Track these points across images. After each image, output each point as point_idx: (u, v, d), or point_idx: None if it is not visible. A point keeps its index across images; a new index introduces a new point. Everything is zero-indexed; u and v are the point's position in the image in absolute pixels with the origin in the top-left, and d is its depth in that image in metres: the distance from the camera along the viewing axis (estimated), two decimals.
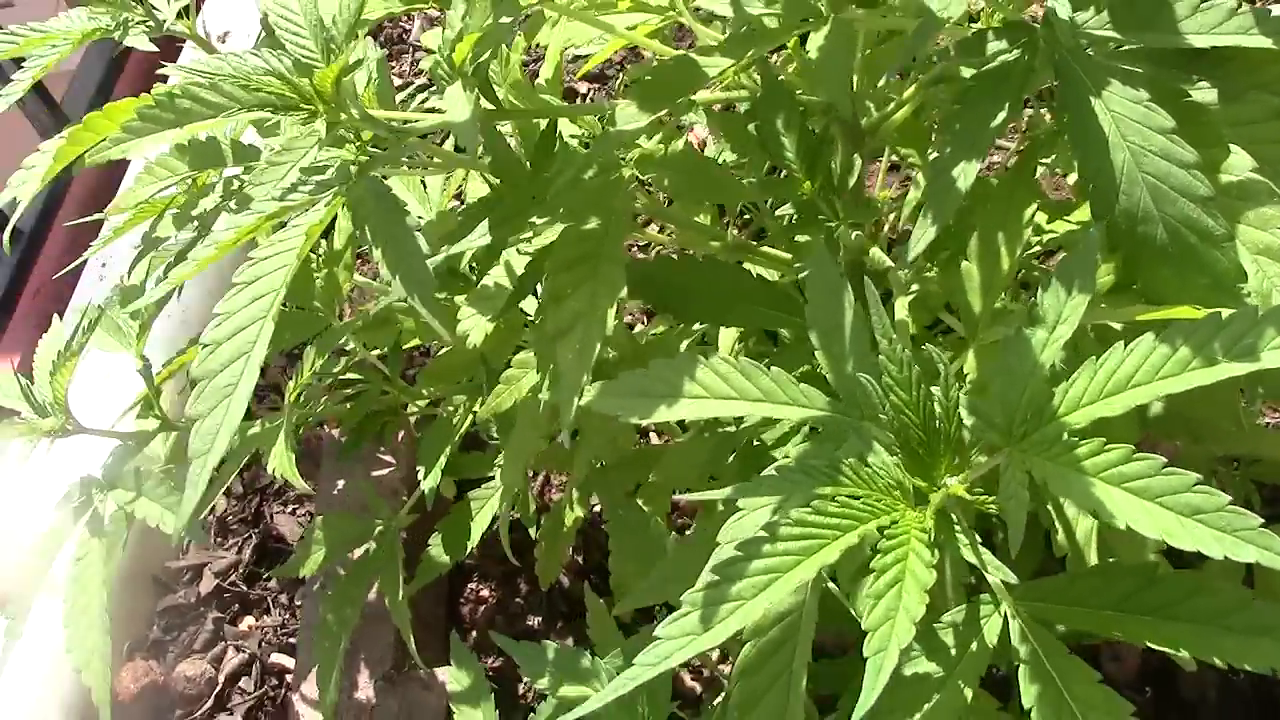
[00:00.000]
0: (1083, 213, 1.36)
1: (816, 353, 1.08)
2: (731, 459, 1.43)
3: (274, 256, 1.14)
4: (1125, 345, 0.97)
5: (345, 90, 1.19)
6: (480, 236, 1.25)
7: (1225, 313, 0.95)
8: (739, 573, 0.92)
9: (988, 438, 1.00)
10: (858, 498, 0.96)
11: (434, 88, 2.26)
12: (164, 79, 1.80)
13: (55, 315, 1.75)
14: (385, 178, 1.21)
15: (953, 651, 1.03)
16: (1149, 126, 1.02)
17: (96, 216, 1.66)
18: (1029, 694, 0.99)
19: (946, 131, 1.07)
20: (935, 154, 1.07)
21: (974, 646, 1.03)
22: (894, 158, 1.80)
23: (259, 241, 1.37)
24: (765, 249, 1.48)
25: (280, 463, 1.50)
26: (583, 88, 2.63)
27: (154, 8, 1.59)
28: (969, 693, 1.02)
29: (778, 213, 1.65)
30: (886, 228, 1.73)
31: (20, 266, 2.46)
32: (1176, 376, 0.95)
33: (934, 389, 0.97)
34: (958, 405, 0.97)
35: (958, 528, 0.97)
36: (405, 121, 1.25)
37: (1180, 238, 1.02)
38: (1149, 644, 1.02)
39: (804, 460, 1.00)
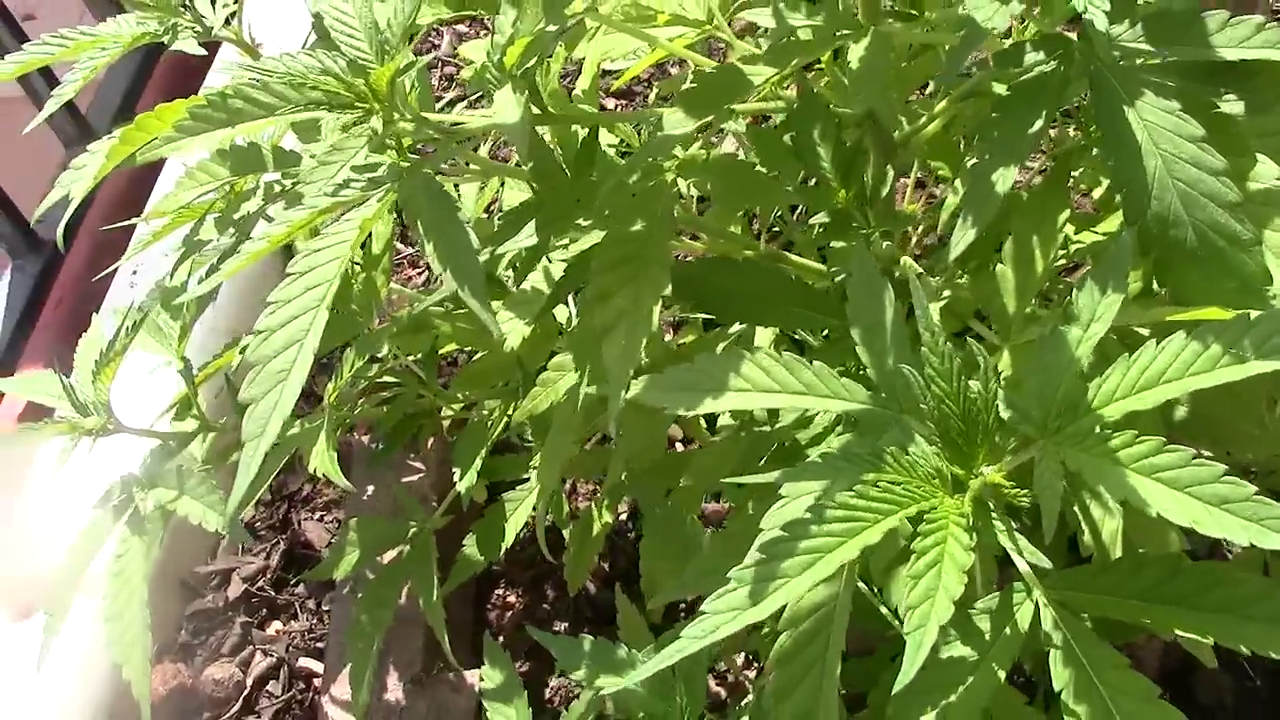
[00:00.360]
0: (1108, 224, 1.40)
1: (858, 348, 1.12)
2: (764, 460, 1.47)
3: (327, 249, 1.17)
4: (1157, 343, 1.00)
5: (398, 91, 1.23)
6: (527, 237, 1.29)
7: (1254, 313, 0.99)
8: (786, 551, 0.96)
9: (1023, 430, 1.03)
10: (898, 484, 1.00)
11: (467, 99, 2.30)
12: (193, 88, 1.83)
13: (93, 317, 1.78)
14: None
15: (987, 636, 1.07)
16: (1180, 135, 1.06)
17: (133, 220, 1.69)
18: (1061, 678, 1.03)
19: (985, 139, 1.10)
20: (974, 160, 1.10)
21: (1007, 631, 1.06)
22: (920, 174, 1.84)
23: (297, 246, 1.41)
24: (796, 257, 1.51)
25: (322, 461, 1.53)
26: (610, 103, 2.68)
27: (200, 14, 1.63)
28: (1002, 674, 1.05)
29: (810, 222, 1.69)
30: (914, 240, 1.77)
31: (43, 276, 2.47)
32: (1207, 373, 0.98)
33: (973, 382, 1.00)
34: (996, 397, 1.00)
35: (994, 514, 1.01)
36: (454, 124, 1.29)
37: (1209, 241, 1.05)
38: (1176, 631, 1.05)
39: (847, 449, 1.03)
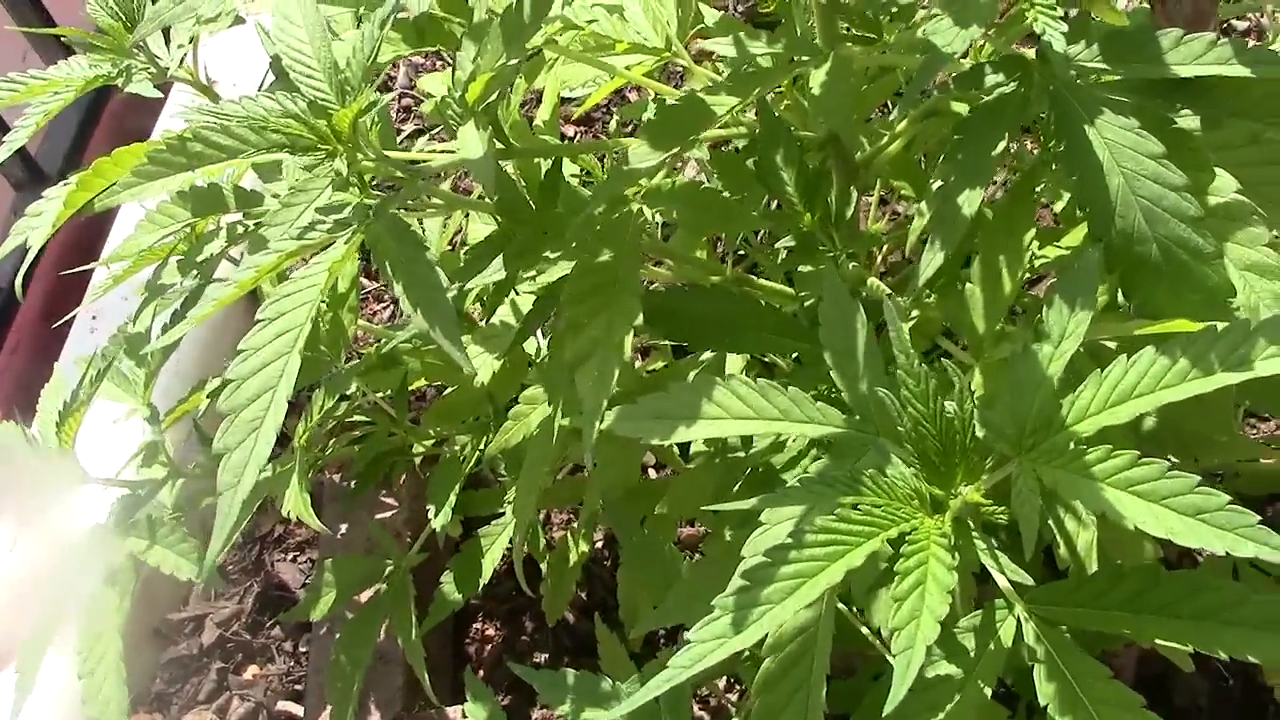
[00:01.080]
0: (1071, 238, 1.41)
1: (831, 372, 1.13)
2: (739, 487, 1.48)
3: (296, 293, 1.17)
4: (1127, 358, 1.01)
5: (360, 131, 1.23)
6: (495, 272, 1.29)
7: (1220, 326, 1.01)
8: (768, 577, 0.96)
9: (999, 448, 1.04)
10: (878, 506, 1.00)
11: (429, 133, 2.31)
12: (144, 126, 1.82)
13: (53, 364, 1.77)
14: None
15: (971, 653, 1.07)
16: (1140, 152, 1.07)
17: (93, 265, 1.68)
18: (1045, 692, 1.03)
19: (949, 160, 1.11)
20: (939, 182, 1.11)
21: (991, 647, 1.07)
22: (882, 192, 1.85)
23: (262, 290, 1.40)
24: (763, 282, 1.52)
25: (296, 505, 1.53)
26: (570, 130, 2.68)
27: (155, 55, 1.62)
28: (988, 691, 1.06)
29: (776, 245, 1.70)
30: (879, 259, 1.78)
31: None
32: (1176, 386, 1.00)
33: (947, 402, 1.01)
34: (972, 417, 1.01)
35: (974, 534, 1.02)
36: (418, 162, 1.29)
37: (1173, 256, 1.07)
38: (1156, 640, 1.06)
39: (825, 473, 1.04)
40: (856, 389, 1.11)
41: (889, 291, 1.40)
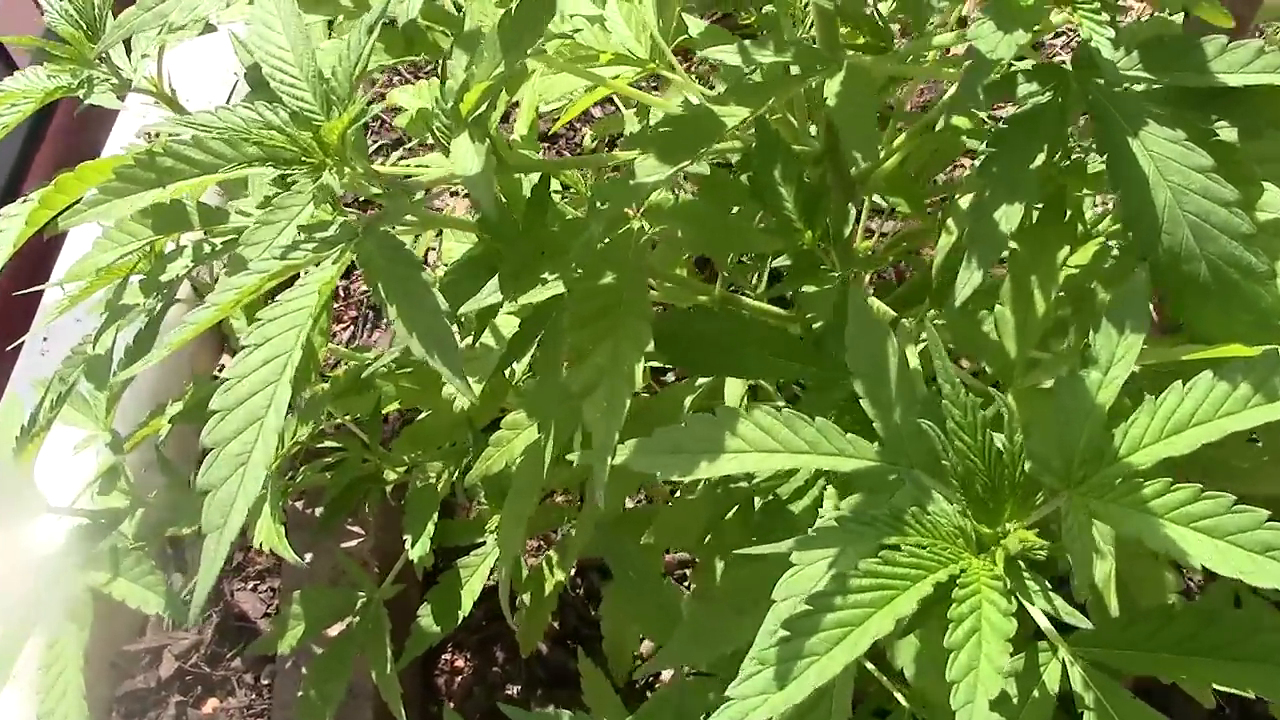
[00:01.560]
0: (1080, 256, 1.35)
1: (861, 401, 1.06)
2: (732, 515, 1.41)
3: (285, 316, 1.10)
4: (1183, 384, 0.95)
5: (348, 144, 1.16)
6: (490, 294, 1.21)
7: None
8: (812, 626, 0.89)
9: (1046, 481, 0.97)
10: (924, 547, 0.93)
11: (403, 146, 2.24)
12: (95, 140, 1.73)
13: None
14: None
15: (1014, 700, 1.01)
16: (1188, 166, 1.01)
17: (48, 285, 1.61)
18: None
19: (983, 175, 1.05)
20: (972, 198, 1.05)
21: (1035, 694, 1.00)
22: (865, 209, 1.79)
23: (231, 316, 1.32)
24: (751, 302, 1.46)
25: (268, 535, 1.45)
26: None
27: (117, 67, 1.54)
28: None
29: (772, 264, 1.64)
30: (867, 278, 1.73)
31: None
32: (1238, 414, 0.94)
33: (995, 434, 0.95)
34: (1021, 450, 0.95)
35: (1027, 575, 0.95)
36: (407, 177, 1.22)
37: (1223, 275, 1.01)
38: (1215, 685, 1.00)
39: (861, 511, 0.97)
40: (890, 419, 1.04)
41: (892, 313, 1.35)
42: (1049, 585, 0.95)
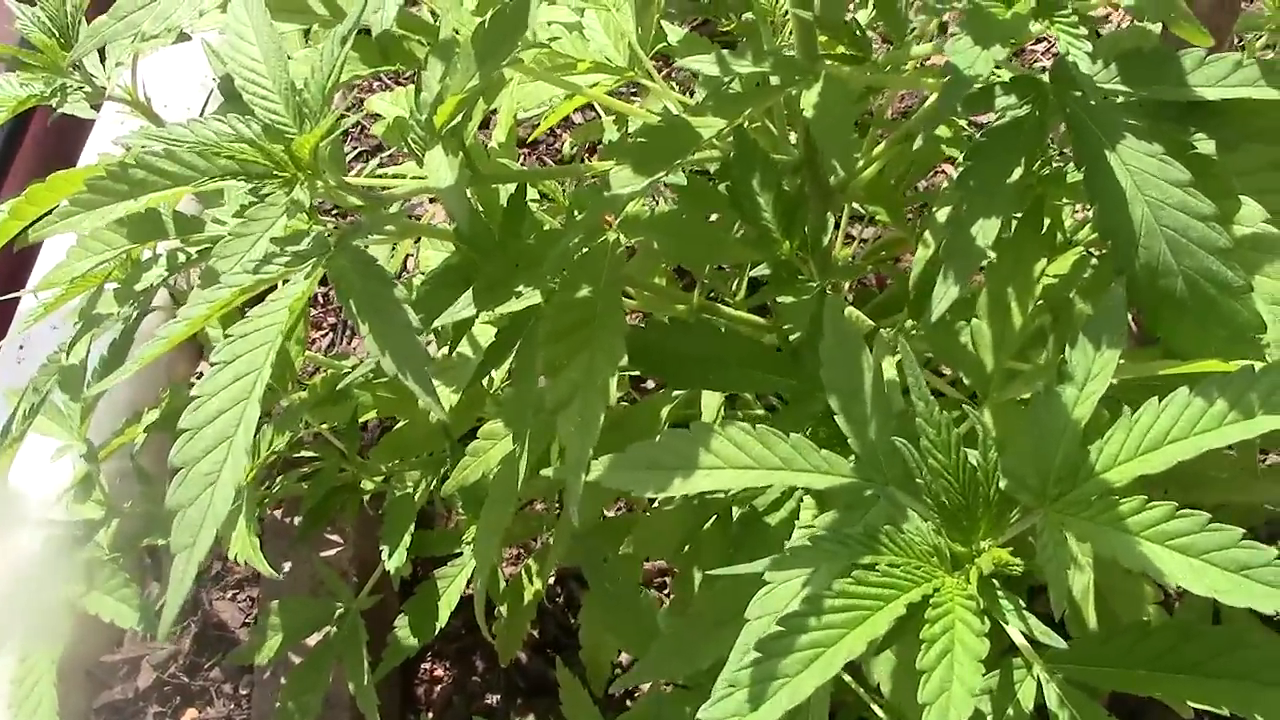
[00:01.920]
0: (1059, 265, 1.34)
1: (836, 418, 1.05)
2: (710, 526, 1.40)
3: (255, 333, 1.09)
4: (1159, 401, 0.95)
5: (320, 157, 1.15)
6: (464, 308, 1.21)
7: (1256, 365, 0.94)
8: (784, 648, 0.88)
9: (1021, 499, 0.97)
10: (898, 566, 0.93)
11: (385, 153, 2.22)
12: (68, 155, 1.71)
13: None
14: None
15: (989, 717, 1.00)
16: (1165, 180, 1.00)
17: (23, 292, 1.60)
18: None
19: (960, 188, 1.04)
20: (947, 209, 1.04)
21: (1010, 712, 1.00)
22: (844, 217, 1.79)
23: (208, 325, 1.31)
24: (730, 311, 1.45)
25: (244, 548, 1.44)
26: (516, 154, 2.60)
27: (91, 74, 1.53)
28: None
29: (751, 274, 1.63)
30: (846, 286, 1.72)
31: None
32: (1214, 431, 0.93)
33: (970, 451, 0.94)
34: (996, 468, 0.94)
35: (1000, 593, 0.94)
36: (381, 189, 1.21)
37: (1199, 290, 1.00)
38: (1189, 702, 0.99)
39: (837, 529, 0.96)
40: (865, 435, 1.03)
41: (870, 322, 1.34)
42: (1023, 603, 0.94)
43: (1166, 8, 0.83)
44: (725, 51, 1.24)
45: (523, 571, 1.78)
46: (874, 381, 1.05)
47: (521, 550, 2.07)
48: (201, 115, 1.25)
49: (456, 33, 1.35)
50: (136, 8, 1.20)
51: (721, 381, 1.29)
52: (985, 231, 1.01)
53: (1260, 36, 1.64)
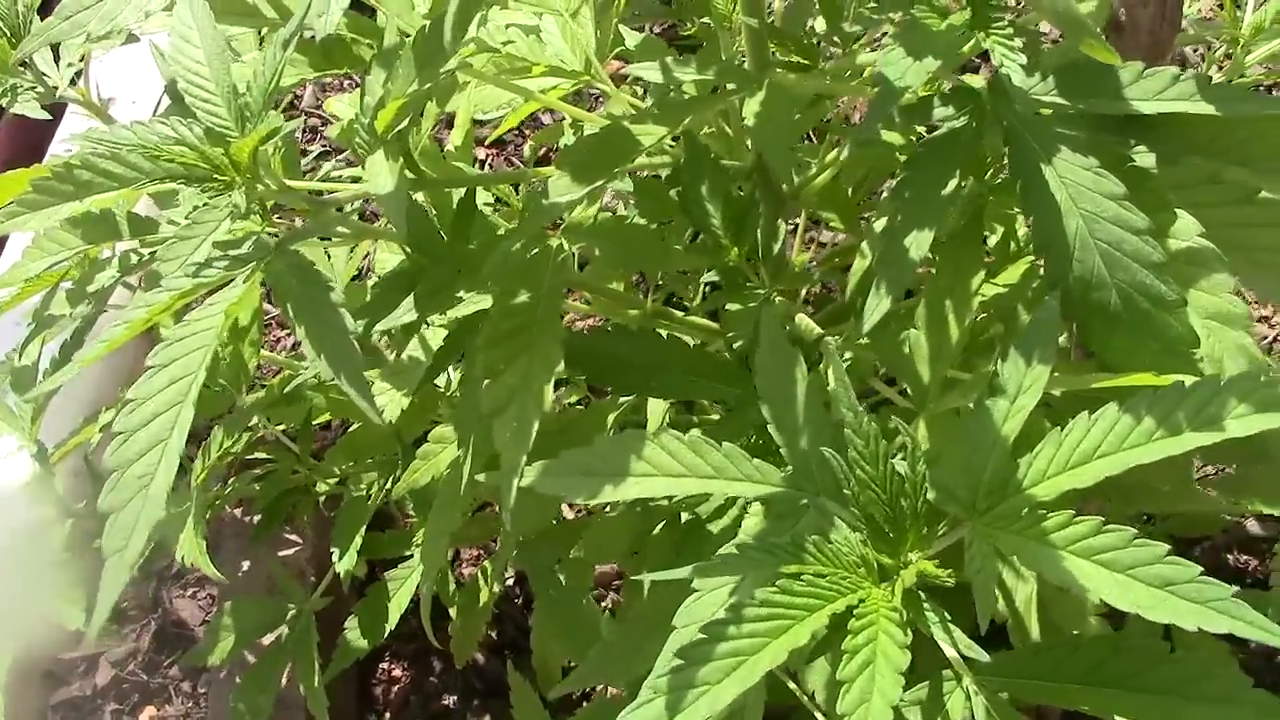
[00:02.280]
0: (1008, 275, 1.34)
1: (769, 427, 1.05)
2: (659, 531, 1.40)
3: (191, 336, 1.09)
4: (1089, 415, 0.95)
5: (261, 160, 1.15)
6: (406, 313, 1.20)
7: (1187, 380, 0.94)
8: (705, 655, 0.88)
9: (950, 510, 0.97)
10: (823, 576, 0.93)
11: (337, 157, 2.22)
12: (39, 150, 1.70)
13: None
14: None
15: None
16: (1100, 193, 1.00)
17: None
18: None
19: (895, 199, 1.04)
20: (883, 220, 1.04)
21: None
22: (806, 220, 1.79)
23: (160, 326, 1.31)
24: (683, 316, 1.45)
25: (191, 551, 1.43)
26: (482, 154, 2.59)
27: (43, 74, 1.53)
28: None
29: (702, 279, 1.63)
30: (801, 290, 1.71)
31: None
32: (1142, 447, 0.93)
33: (897, 461, 0.94)
34: (924, 481, 0.94)
35: (926, 606, 0.94)
36: (323, 192, 1.21)
37: (1133, 304, 1.00)
38: (1116, 717, 0.99)
39: (764, 538, 0.96)
40: (795, 444, 1.04)
41: (819, 330, 1.34)
42: (948, 616, 0.94)
43: (1077, 27, 0.83)
44: (670, 60, 1.24)
45: (479, 573, 1.78)
46: (807, 391, 1.04)
47: (482, 551, 2.07)
48: (154, 115, 1.25)
49: (406, 36, 1.35)
50: (82, 8, 1.19)
51: (664, 389, 1.29)
52: (919, 243, 1.01)
53: (1220, 46, 1.65)
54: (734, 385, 1.24)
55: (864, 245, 1.13)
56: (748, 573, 0.95)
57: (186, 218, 1.18)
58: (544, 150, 2.39)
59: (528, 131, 2.53)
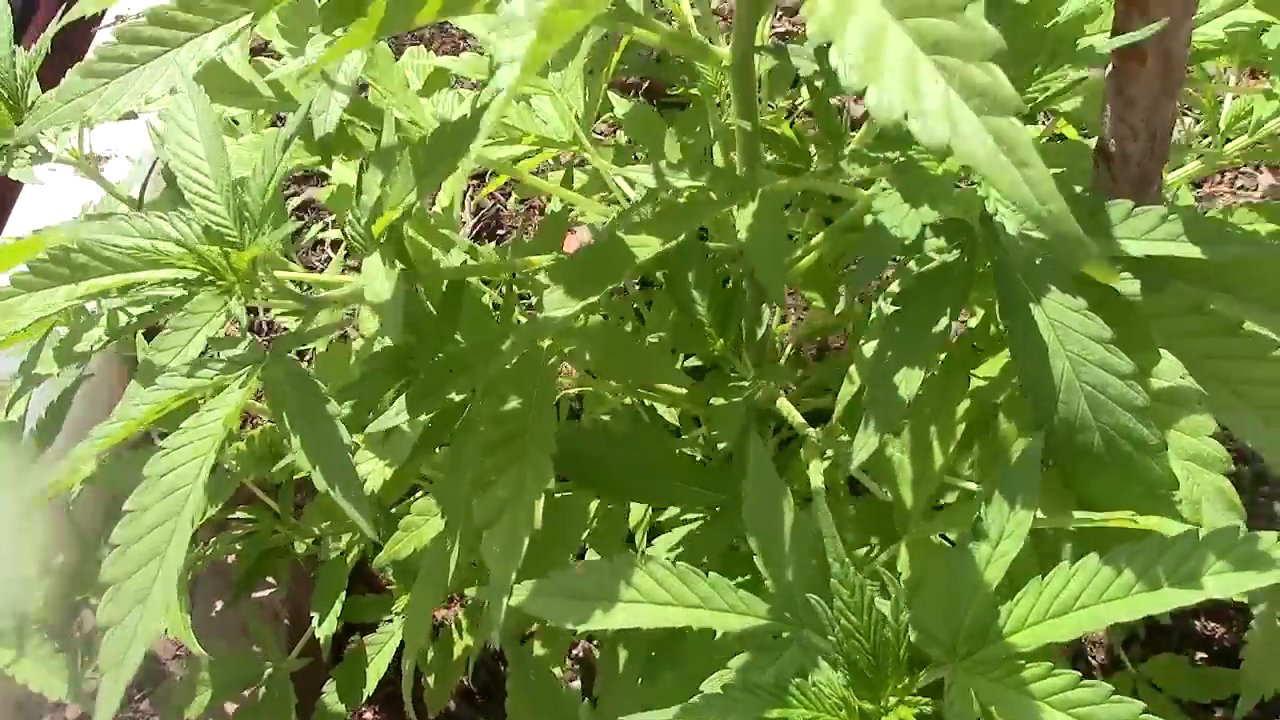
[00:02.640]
0: (988, 367, 1.35)
1: (755, 559, 1.07)
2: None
3: (188, 445, 1.09)
4: (1070, 564, 0.97)
5: (259, 263, 1.16)
6: (398, 414, 1.21)
7: (1168, 523, 0.97)
8: None
9: (931, 653, 0.99)
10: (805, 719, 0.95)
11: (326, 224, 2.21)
12: None
13: None
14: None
15: None
16: (1087, 335, 1.02)
17: None
18: None
19: (886, 333, 1.06)
20: (873, 358, 1.06)
21: None
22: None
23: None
24: (668, 388, 1.46)
25: (173, 625, 1.44)
26: (469, 208, 2.60)
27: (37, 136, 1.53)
28: None
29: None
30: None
31: None
32: (1122, 600, 0.95)
33: (880, 606, 0.96)
34: (907, 630, 0.96)
35: None
36: (319, 295, 1.22)
37: (1116, 447, 1.02)
38: None
39: (747, 677, 0.98)
40: (781, 578, 1.05)
41: (800, 418, 1.35)
42: None
43: (1076, 247, 0.85)
44: (664, 165, 1.25)
45: (453, 625, 1.79)
46: (794, 525, 1.06)
47: (458, 594, 2.07)
48: (150, 178, 1.25)
49: (408, 121, 1.36)
50: (84, 91, 1.19)
51: (649, 494, 1.31)
52: (908, 382, 1.03)
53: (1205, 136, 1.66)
54: (718, 490, 1.26)
55: (851, 370, 1.14)
56: (730, 715, 0.97)
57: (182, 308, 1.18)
58: (528, 203, 2.39)
59: (513, 191, 2.53)
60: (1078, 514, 1.05)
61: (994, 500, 1.00)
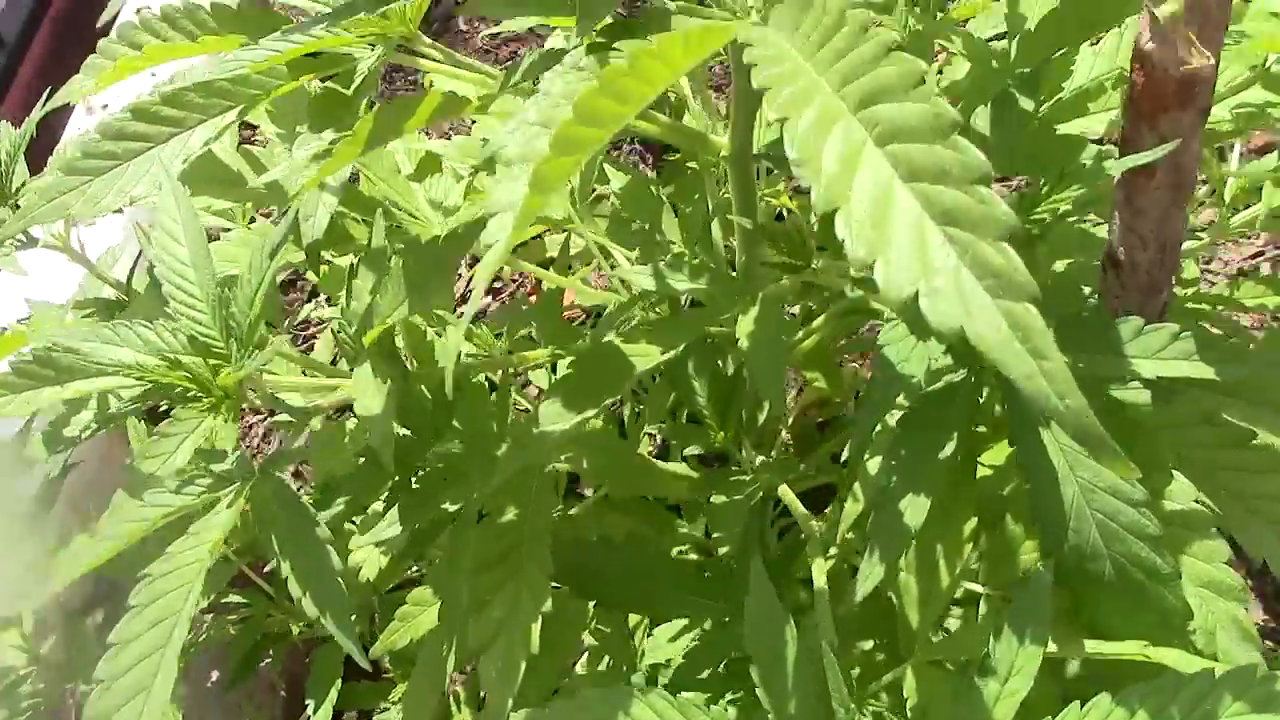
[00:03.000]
0: (994, 455, 1.33)
1: (758, 690, 1.04)
2: None
3: (173, 573, 1.07)
4: (1081, 706, 0.94)
5: (248, 381, 1.13)
6: (389, 526, 1.19)
7: (1182, 655, 0.94)
8: None
9: None
10: None
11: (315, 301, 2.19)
12: None
13: None
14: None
15: None
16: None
17: None
18: None
19: (890, 456, 1.03)
20: (877, 482, 1.03)
21: None
22: None
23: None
24: (670, 466, 1.43)
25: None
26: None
27: None
28: None
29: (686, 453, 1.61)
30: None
31: None
32: None
33: None
34: None
35: None
36: (309, 406, 1.19)
37: (1128, 575, 0.99)
38: None
39: None
40: (784, 709, 1.02)
41: (803, 510, 1.32)
42: None
43: (1098, 446, 0.82)
44: (663, 265, 1.22)
45: (450, 698, 1.77)
46: (797, 656, 1.03)
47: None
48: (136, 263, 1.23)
49: (391, 205, 1.33)
50: (68, 189, 1.17)
51: (649, 605, 1.28)
52: (914, 510, 1.00)
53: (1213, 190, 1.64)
54: (717, 600, 1.23)
55: (855, 488, 1.11)
56: None
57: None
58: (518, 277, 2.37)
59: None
60: (1089, 644, 1.02)
61: (1004, 635, 0.97)
